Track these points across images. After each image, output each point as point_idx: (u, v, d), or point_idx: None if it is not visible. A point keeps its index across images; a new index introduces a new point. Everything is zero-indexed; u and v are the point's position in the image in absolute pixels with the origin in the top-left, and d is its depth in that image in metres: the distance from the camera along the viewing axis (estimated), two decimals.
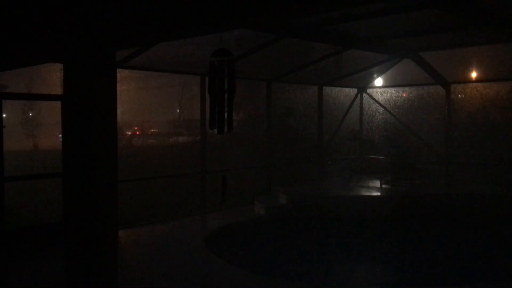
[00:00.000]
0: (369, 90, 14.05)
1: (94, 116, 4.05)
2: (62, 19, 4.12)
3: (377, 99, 13.91)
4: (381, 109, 13.82)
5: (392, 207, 10.36)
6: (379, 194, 10.87)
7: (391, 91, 13.72)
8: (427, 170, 11.93)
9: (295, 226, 9.79)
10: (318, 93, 12.96)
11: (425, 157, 12.60)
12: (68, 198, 4.34)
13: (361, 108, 14.26)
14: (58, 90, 8.95)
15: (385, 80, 13.72)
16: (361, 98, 14.21)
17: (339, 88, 13.60)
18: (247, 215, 10.09)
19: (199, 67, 9.44)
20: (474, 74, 12.30)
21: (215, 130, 4.90)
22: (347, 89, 13.87)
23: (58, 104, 7.94)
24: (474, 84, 12.35)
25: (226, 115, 4.84)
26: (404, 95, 13.58)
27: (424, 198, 10.69)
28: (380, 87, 13.87)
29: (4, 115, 7.44)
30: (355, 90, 14.04)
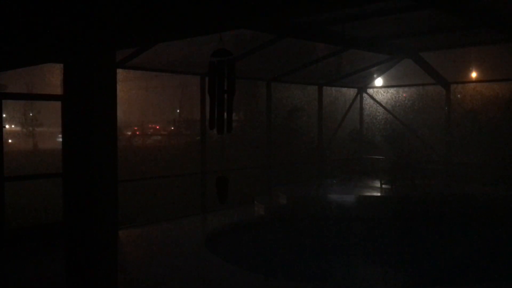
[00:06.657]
0: (369, 90, 14.05)
1: (94, 116, 4.05)
2: (62, 19, 4.12)
3: (377, 99, 13.91)
4: (381, 109, 13.82)
5: (392, 207, 10.35)
6: (379, 194, 10.87)
7: (391, 91, 13.72)
8: (427, 170, 11.92)
9: (294, 226, 9.79)
10: (318, 93, 12.96)
11: (425, 157, 12.60)
12: (68, 198, 4.34)
13: (361, 108, 14.25)
14: (58, 90, 8.95)
15: (385, 80, 13.72)
16: (361, 98, 14.20)
17: (339, 88, 13.60)
18: (247, 215, 10.09)
19: (199, 67, 9.44)
20: (474, 74, 12.31)
21: (215, 130, 4.90)
22: (347, 89, 13.87)
23: (58, 104, 7.94)
24: (474, 84, 12.36)
25: (226, 115, 4.83)
26: (404, 95, 13.58)
27: (424, 198, 10.68)
28: (380, 87, 13.87)
29: (4, 115, 7.44)
30: (355, 90, 14.04)
